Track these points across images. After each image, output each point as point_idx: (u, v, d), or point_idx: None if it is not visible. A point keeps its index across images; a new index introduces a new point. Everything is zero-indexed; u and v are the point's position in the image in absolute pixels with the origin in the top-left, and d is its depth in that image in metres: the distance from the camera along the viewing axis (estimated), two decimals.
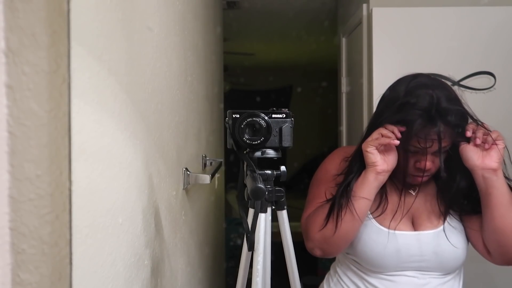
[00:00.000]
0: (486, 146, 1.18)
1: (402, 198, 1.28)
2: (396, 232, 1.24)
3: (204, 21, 1.89)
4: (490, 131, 1.19)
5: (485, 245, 1.23)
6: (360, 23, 2.44)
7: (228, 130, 0.96)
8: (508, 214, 1.17)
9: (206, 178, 1.43)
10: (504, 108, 2.22)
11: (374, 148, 1.18)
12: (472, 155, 1.19)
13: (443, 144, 1.15)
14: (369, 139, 1.19)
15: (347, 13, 2.89)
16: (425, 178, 1.22)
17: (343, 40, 2.94)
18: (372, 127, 1.22)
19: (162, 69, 1.14)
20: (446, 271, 1.26)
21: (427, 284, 1.25)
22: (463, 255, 1.26)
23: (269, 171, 0.95)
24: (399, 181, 1.27)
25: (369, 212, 1.25)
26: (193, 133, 1.57)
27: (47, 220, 0.55)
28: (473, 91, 2.21)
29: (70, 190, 0.58)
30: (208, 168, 1.77)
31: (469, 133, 1.18)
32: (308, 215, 1.28)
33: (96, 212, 0.70)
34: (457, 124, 1.17)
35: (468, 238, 1.27)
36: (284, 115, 0.96)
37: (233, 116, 0.94)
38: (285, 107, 0.99)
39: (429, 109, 1.14)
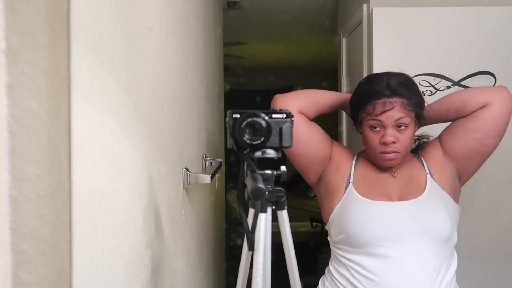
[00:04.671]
0: None
1: (384, 179, 1.41)
2: (379, 201, 1.35)
3: (204, 21, 1.89)
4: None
5: (474, 113, 1.36)
6: (360, 23, 2.44)
7: (228, 130, 0.96)
8: (452, 100, 1.41)
9: (207, 178, 1.43)
10: None
11: None
12: None
13: (398, 115, 1.31)
14: None
15: (348, 13, 2.89)
16: (392, 155, 1.34)
17: (343, 40, 2.94)
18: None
19: (163, 69, 1.14)
20: (432, 243, 1.29)
21: (413, 267, 1.27)
22: (446, 225, 1.30)
23: (269, 171, 0.95)
24: (374, 161, 1.41)
25: (354, 188, 1.38)
26: (194, 133, 1.57)
27: (47, 220, 0.55)
28: None
29: (70, 190, 0.58)
30: (208, 168, 1.76)
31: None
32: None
33: (96, 212, 0.70)
34: (408, 96, 1.34)
35: (468, 127, 1.38)
36: (285, 115, 0.96)
37: (233, 116, 0.94)
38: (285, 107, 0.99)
39: (381, 84, 1.34)
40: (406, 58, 2.22)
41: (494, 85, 2.20)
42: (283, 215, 0.98)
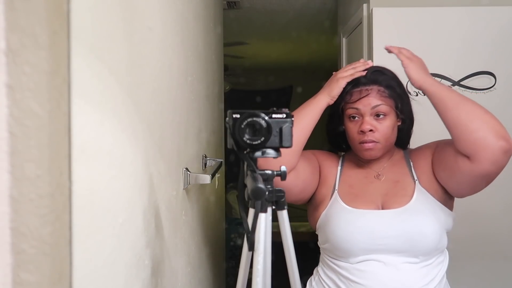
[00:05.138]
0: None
1: (369, 184, 1.37)
2: (363, 210, 1.31)
3: (204, 21, 1.89)
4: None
5: (463, 156, 1.22)
6: (360, 23, 2.44)
7: (228, 130, 0.96)
8: (459, 109, 1.23)
9: (207, 178, 1.43)
10: (504, 108, 2.21)
11: (345, 83, 1.33)
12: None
13: (374, 102, 1.30)
14: (344, 74, 1.34)
15: (348, 13, 2.88)
16: (371, 145, 1.31)
17: (344, 40, 2.94)
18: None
19: (163, 69, 1.14)
20: (418, 253, 1.25)
21: (399, 270, 1.25)
22: (433, 234, 1.25)
23: (269, 171, 0.95)
24: (356, 153, 1.37)
25: (339, 196, 1.35)
26: (194, 133, 1.57)
27: (47, 220, 0.55)
28: (473, 91, 2.21)
29: (70, 190, 0.58)
30: (208, 168, 1.76)
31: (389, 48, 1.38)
32: None
33: (96, 212, 0.70)
34: (385, 83, 1.33)
35: (450, 168, 1.27)
36: (285, 115, 0.96)
37: (233, 116, 0.94)
38: (285, 107, 0.99)
39: (360, 77, 1.33)
40: None
41: (494, 85, 2.20)
42: (283, 215, 0.98)
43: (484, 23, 2.21)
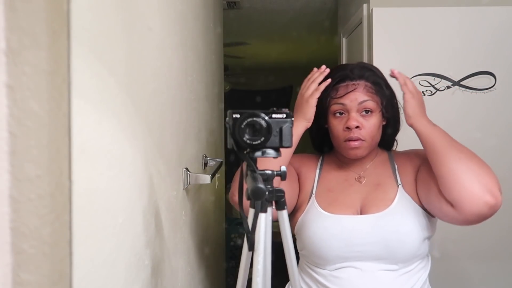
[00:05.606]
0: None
1: (349, 187, 1.32)
2: (340, 216, 1.25)
3: (204, 21, 1.89)
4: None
5: (447, 200, 1.18)
6: (360, 23, 2.44)
7: (228, 130, 0.96)
8: (447, 156, 1.17)
9: (207, 178, 1.43)
10: (504, 108, 2.22)
11: (316, 100, 1.27)
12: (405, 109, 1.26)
13: (361, 97, 1.26)
14: (309, 92, 1.28)
15: (348, 13, 2.89)
16: (357, 143, 1.26)
17: (344, 40, 2.94)
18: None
19: (162, 69, 1.14)
20: (396, 261, 1.22)
21: (377, 278, 1.21)
22: (412, 242, 1.21)
23: (269, 171, 0.95)
24: (340, 152, 1.33)
25: (316, 201, 1.30)
26: (194, 133, 1.57)
27: (47, 220, 0.55)
28: (473, 91, 2.21)
29: (70, 190, 0.58)
30: (208, 168, 1.76)
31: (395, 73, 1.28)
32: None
33: (96, 212, 0.70)
34: (372, 78, 1.28)
35: (432, 203, 1.23)
36: (285, 115, 0.96)
37: (233, 116, 0.94)
38: (285, 107, 0.99)
39: (345, 69, 1.30)
40: (406, 58, 2.22)
41: (494, 85, 2.20)
42: (283, 215, 0.98)
43: (484, 23, 2.21)
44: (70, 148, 0.58)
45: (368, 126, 1.27)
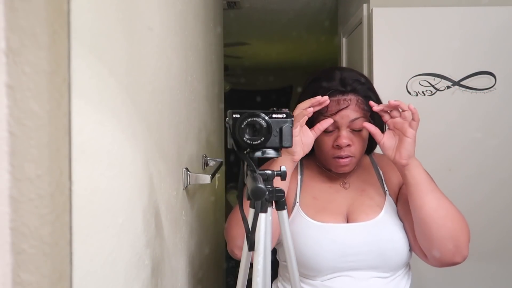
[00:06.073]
0: (398, 134, 1.17)
1: (335, 193, 1.28)
2: (330, 224, 1.21)
3: (204, 21, 1.89)
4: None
5: (420, 246, 1.19)
6: (360, 23, 2.45)
7: (228, 130, 0.96)
8: (428, 204, 1.14)
9: (207, 178, 1.43)
10: (504, 108, 2.22)
11: (297, 130, 1.16)
12: (388, 145, 1.18)
13: (353, 115, 1.19)
14: (304, 104, 1.17)
15: (348, 13, 2.89)
16: (347, 160, 1.22)
17: (344, 40, 2.94)
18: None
19: (163, 69, 1.14)
20: (388, 269, 1.21)
21: (369, 286, 1.19)
22: (404, 249, 1.20)
23: (269, 171, 0.95)
24: (326, 166, 1.28)
25: (301, 210, 1.24)
26: (194, 133, 1.57)
27: (47, 220, 0.55)
28: (473, 91, 2.21)
29: (70, 190, 0.58)
30: (208, 168, 1.76)
31: (375, 107, 1.18)
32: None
33: (96, 212, 0.70)
34: (363, 93, 1.21)
35: (406, 232, 1.22)
36: (285, 115, 0.96)
37: (233, 116, 0.94)
38: (285, 107, 0.99)
39: (334, 79, 1.22)
40: (406, 58, 2.22)
41: (494, 85, 2.20)
42: (283, 215, 0.98)
43: (484, 23, 2.21)
44: (70, 148, 0.58)
45: (358, 142, 1.22)
